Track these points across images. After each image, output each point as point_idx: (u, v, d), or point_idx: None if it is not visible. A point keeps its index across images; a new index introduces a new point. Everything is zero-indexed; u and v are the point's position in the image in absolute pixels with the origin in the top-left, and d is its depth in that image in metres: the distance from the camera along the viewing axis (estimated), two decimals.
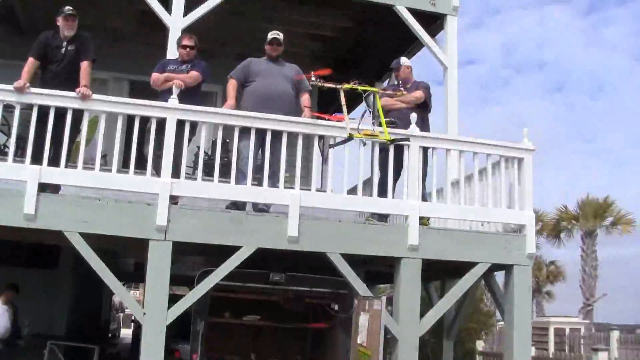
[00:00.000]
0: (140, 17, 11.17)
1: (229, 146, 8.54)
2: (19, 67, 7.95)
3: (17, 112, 7.44)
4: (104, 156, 7.66)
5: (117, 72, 12.59)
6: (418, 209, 8.02)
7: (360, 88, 7.44)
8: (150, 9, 9.83)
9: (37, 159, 7.30)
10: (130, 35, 12.31)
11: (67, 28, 8.09)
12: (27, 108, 7.51)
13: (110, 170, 7.57)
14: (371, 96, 7.87)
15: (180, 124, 7.62)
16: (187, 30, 9.39)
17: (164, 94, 8.04)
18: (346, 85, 7.35)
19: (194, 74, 8.32)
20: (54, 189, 7.57)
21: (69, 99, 7.49)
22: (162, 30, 9.92)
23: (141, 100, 7.75)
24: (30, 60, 7.95)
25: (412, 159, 8.12)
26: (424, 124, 8.74)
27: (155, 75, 8.33)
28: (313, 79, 7.43)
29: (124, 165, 7.77)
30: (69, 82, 7.74)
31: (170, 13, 9.76)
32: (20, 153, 7.84)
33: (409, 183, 8.08)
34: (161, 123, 7.60)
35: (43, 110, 7.44)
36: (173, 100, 7.62)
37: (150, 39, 11.32)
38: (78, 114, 7.54)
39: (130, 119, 7.63)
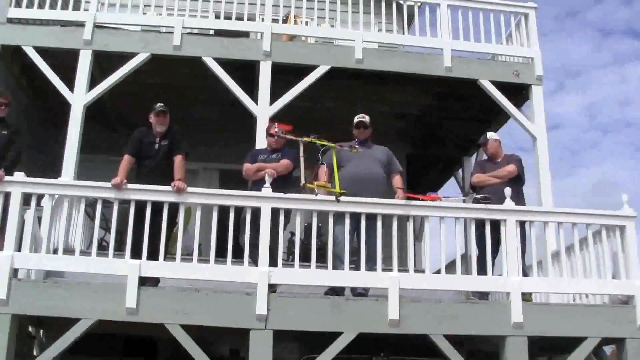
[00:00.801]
0: (227, 107, 11.41)
1: (322, 230, 8.53)
2: (113, 162, 8.25)
3: (115, 208, 7.63)
4: (199, 246, 7.74)
5: (207, 162, 12.85)
6: (520, 284, 7.80)
7: (318, 142, 7.69)
8: (237, 98, 10.08)
9: (136, 253, 7.44)
10: (218, 125, 12.57)
11: (159, 124, 8.34)
12: (124, 203, 7.69)
13: (207, 261, 7.64)
14: (330, 151, 8.04)
15: (275, 211, 7.67)
16: (274, 118, 9.57)
17: (256, 183, 8.14)
18: (306, 139, 7.67)
19: (285, 162, 8.39)
20: (154, 280, 7.69)
21: (165, 193, 7.65)
22: (249, 119, 10.12)
23: (235, 191, 7.85)
24: (126, 157, 8.21)
25: (509, 233, 7.94)
26: (518, 198, 8.58)
27: (247, 166, 8.45)
28: (276, 129, 7.88)
29: (218, 254, 7.83)
30: (164, 176, 7.94)
31: (256, 102, 9.99)
32: (118, 247, 8.00)
33: (508, 258, 7.89)
34: (256, 212, 7.67)
35: (140, 205, 7.61)
36: (266, 190, 7.69)
37: (238, 128, 11.54)
38: (174, 206, 7.70)
39: (224, 208, 7.73)
